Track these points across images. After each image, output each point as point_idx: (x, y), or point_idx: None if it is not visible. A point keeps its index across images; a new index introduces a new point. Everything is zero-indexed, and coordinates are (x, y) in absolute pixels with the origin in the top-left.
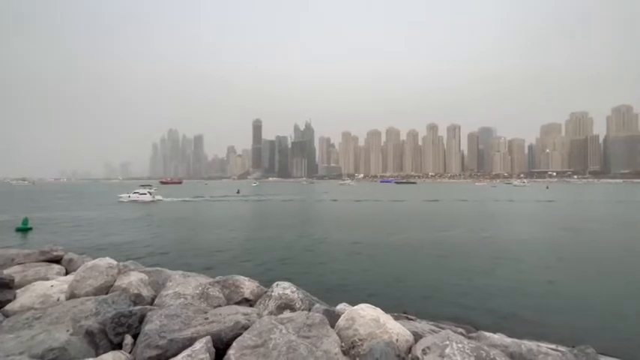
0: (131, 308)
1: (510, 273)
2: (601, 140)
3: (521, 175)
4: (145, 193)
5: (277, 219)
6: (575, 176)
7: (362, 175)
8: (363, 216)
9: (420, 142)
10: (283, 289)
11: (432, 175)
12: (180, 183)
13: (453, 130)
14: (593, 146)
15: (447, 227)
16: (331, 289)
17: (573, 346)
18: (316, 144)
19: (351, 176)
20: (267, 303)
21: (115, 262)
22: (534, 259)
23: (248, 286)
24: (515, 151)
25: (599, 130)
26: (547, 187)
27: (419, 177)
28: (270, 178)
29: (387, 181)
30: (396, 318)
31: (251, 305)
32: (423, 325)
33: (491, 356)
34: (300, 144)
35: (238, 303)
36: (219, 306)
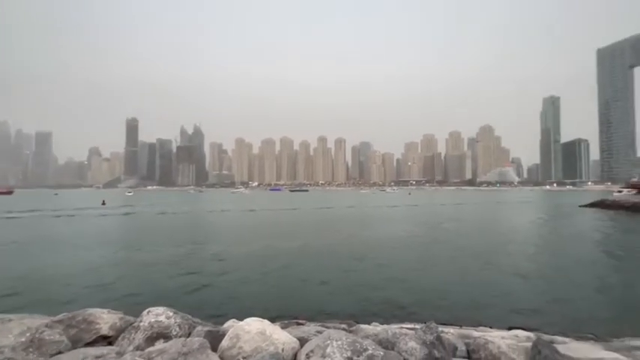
0: None
1: (390, 265)
2: (443, 157)
3: (392, 184)
4: None
5: (156, 235)
6: (428, 184)
7: (256, 183)
8: (259, 226)
9: (311, 153)
10: (156, 315)
11: (322, 184)
12: (10, 193)
13: (340, 143)
14: (437, 161)
15: (339, 230)
16: (222, 306)
17: (424, 322)
18: (207, 150)
19: (245, 184)
20: (134, 336)
21: None
22: (411, 253)
23: (107, 319)
24: (387, 163)
25: (442, 148)
26: (409, 194)
27: (310, 185)
28: (150, 187)
29: (276, 189)
30: (285, 326)
31: (110, 343)
32: (310, 329)
33: (364, 346)
34: (187, 149)
35: (91, 343)
36: (60, 353)
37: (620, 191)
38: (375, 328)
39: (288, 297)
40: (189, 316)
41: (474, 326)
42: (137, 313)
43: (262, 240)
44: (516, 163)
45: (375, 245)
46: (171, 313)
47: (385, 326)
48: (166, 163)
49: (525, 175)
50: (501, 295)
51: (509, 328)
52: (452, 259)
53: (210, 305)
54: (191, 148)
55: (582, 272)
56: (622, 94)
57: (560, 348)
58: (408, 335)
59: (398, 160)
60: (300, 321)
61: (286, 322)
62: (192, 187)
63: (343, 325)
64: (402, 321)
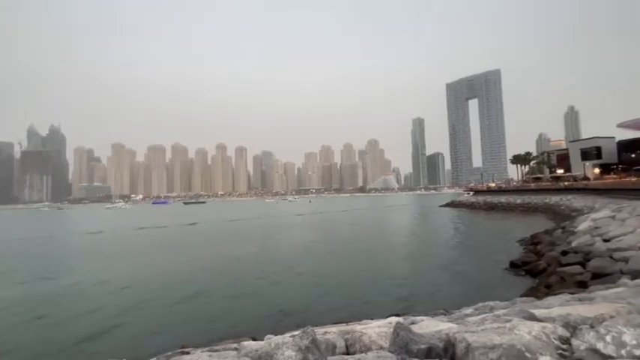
0: None
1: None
2: (338, 166)
3: (293, 192)
4: None
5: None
6: (326, 192)
7: (141, 196)
8: (148, 248)
9: (209, 161)
10: None
11: (221, 194)
12: None
13: (241, 151)
14: (334, 170)
15: (241, 245)
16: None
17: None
18: (70, 156)
19: (125, 197)
20: None
21: None
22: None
23: None
24: (288, 172)
25: (337, 159)
26: (310, 201)
27: (208, 196)
28: None
29: (161, 202)
30: (168, 358)
31: None
32: (195, 356)
33: None
34: (39, 155)
35: None
36: None
37: (468, 193)
38: (259, 343)
39: (176, 324)
40: None
41: (359, 320)
42: None
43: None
44: (396, 172)
45: (291, 256)
46: None
47: (274, 338)
48: (6, 173)
49: (403, 182)
50: (389, 287)
51: (388, 316)
52: (349, 260)
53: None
54: (45, 154)
55: (442, 256)
56: (462, 119)
57: (416, 327)
58: (287, 344)
59: (299, 169)
60: (186, 349)
61: (169, 353)
62: (46, 203)
63: (234, 345)
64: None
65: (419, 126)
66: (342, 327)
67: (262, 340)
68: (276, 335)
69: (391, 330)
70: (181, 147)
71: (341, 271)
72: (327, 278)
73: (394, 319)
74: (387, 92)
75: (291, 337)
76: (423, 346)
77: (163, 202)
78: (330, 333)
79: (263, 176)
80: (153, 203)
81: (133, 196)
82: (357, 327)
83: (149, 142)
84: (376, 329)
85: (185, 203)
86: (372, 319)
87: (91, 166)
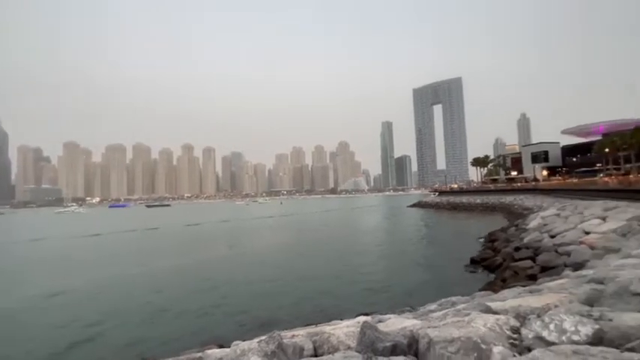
0: None
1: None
2: (310, 168)
3: (264, 194)
4: None
5: None
6: (297, 193)
7: (98, 199)
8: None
9: (175, 162)
10: None
11: (188, 197)
12: None
13: (209, 152)
14: (305, 172)
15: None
16: None
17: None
18: (13, 156)
19: (79, 201)
20: None
21: None
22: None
23: None
24: (259, 174)
25: (309, 160)
26: (281, 203)
27: (173, 198)
28: None
29: (119, 205)
30: None
31: None
32: None
33: None
34: None
35: None
36: None
37: (434, 194)
38: (224, 350)
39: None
40: None
41: (329, 321)
42: None
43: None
44: (366, 174)
45: (252, 261)
46: None
47: (241, 344)
48: None
49: (372, 184)
50: (359, 287)
51: (357, 316)
52: (321, 261)
53: None
54: None
55: (410, 255)
56: (427, 123)
57: (383, 325)
58: (252, 350)
59: (270, 170)
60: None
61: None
62: None
63: (199, 355)
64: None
65: (387, 129)
66: (311, 329)
67: (229, 347)
68: (244, 341)
69: (359, 329)
70: (144, 147)
71: (312, 273)
72: (298, 281)
73: (362, 319)
74: (359, 95)
75: (257, 342)
76: (388, 344)
77: (122, 206)
78: (299, 336)
79: (232, 178)
80: (110, 207)
81: (88, 199)
82: (327, 328)
83: (107, 141)
84: (344, 329)
85: (148, 206)
86: (341, 319)
87: (39, 167)
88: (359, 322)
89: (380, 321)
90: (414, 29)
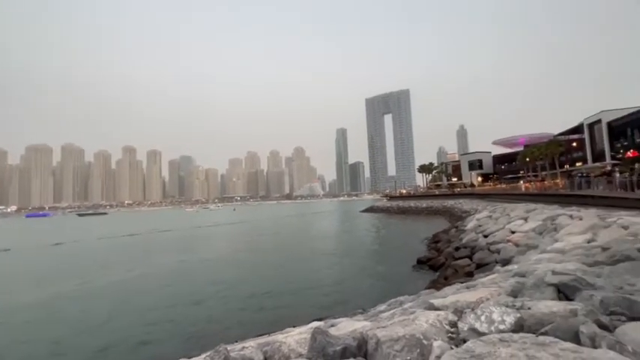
0: None
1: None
2: (265, 173)
3: (216, 200)
4: None
5: None
6: (252, 199)
7: (14, 207)
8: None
9: (113, 166)
10: None
11: (129, 204)
12: None
13: (154, 155)
14: (260, 177)
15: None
16: None
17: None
18: None
19: None
20: None
21: None
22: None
23: None
24: (210, 179)
25: (264, 165)
26: (234, 209)
27: (111, 206)
28: None
29: (38, 215)
30: None
31: None
32: None
33: None
34: None
35: None
36: None
37: (387, 198)
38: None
39: None
40: None
41: (282, 329)
42: None
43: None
44: (321, 180)
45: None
46: None
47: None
48: None
49: (328, 189)
50: (313, 293)
51: (311, 322)
52: (274, 269)
53: None
54: None
55: (363, 258)
56: (379, 132)
57: (334, 330)
58: None
59: (222, 175)
60: None
61: None
62: None
63: None
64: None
65: (342, 136)
66: (262, 339)
67: None
68: (190, 359)
69: (310, 336)
70: (75, 148)
71: (265, 282)
72: (250, 291)
73: (316, 324)
74: (315, 101)
75: (203, 358)
76: (338, 348)
77: (43, 215)
78: (248, 348)
79: (181, 183)
80: (27, 216)
81: (1, 207)
82: (279, 337)
83: (27, 142)
84: (296, 337)
85: (80, 215)
86: (294, 326)
87: None
88: (311, 329)
89: (332, 325)
90: (368, 38)
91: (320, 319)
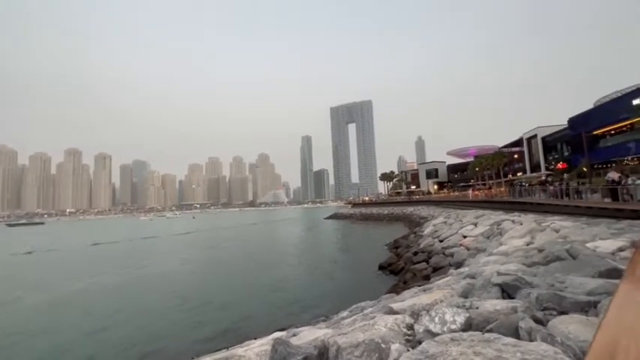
0: None
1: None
2: (227, 180)
3: (173, 208)
4: None
5: None
6: (213, 207)
7: None
8: None
9: (53, 171)
10: None
11: (71, 212)
12: None
13: (103, 159)
14: (223, 184)
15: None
16: None
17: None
18: None
19: None
20: None
21: None
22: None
23: None
24: (167, 186)
25: (226, 171)
26: (193, 217)
27: (51, 215)
28: None
29: None
30: None
31: None
32: None
33: None
34: None
35: None
36: None
37: (351, 205)
38: None
39: None
40: None
41: (240, 343)
42: None
43: None
44: (286, 187)
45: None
46: None
47: None
48: None
49: (292, 196)
50: (276, 302)
51: (273, 332)
52: (233, 280)
53: None
54: None
55: (326, 265)
56: (343, 140)
57: (295, 339)
58: None
59: (181, 181)
60: None
61: None
62: None
63: None
64: None
65: (307, 143)
66: (221, 354)
67: None
68: None
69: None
70: (7, 150)
71: (226, 293)
72: (209, 303)
73: (277, 335)
74: (281, 107)
75: None
76: (299, 358)
77: None
78: None
79: (134, 190)
80: None
81: None
82: (239, 350)
83: None
84: (256, 349)
85: (10, 225)
86: (255, 338)
87: None
88: (272, 340)
89: (294, 334)
90: (334, 49)
91: (282, 329)
